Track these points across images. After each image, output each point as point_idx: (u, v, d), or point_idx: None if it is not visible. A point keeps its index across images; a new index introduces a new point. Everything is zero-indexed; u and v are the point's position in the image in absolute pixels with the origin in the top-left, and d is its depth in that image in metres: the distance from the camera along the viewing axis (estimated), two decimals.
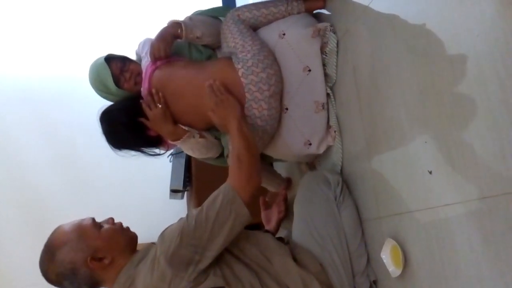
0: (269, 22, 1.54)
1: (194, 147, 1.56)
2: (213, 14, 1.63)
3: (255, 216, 1.26)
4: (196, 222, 1.09)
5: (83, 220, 1.20)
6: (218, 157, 1.66)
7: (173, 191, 2.62)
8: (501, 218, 0.77)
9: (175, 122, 1.49)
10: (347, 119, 1.44)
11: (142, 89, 1.53)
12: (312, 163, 1.74)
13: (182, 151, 2.06)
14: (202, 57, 1.60)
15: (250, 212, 1.15)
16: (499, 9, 0.75)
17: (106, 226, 1.20)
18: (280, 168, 2.11)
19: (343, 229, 1.30)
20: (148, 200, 2.92)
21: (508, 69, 0.73)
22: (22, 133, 2.88)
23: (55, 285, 1.16)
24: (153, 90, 1.47)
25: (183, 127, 1.49)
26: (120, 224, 1.24)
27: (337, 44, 1.46)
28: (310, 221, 1.32)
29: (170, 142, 1.55)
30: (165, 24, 1.54)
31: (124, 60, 1.58)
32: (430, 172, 0.96)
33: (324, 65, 1.49)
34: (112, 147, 1.52)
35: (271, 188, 1.90)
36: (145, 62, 1.57)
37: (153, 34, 1.54)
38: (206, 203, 1.14)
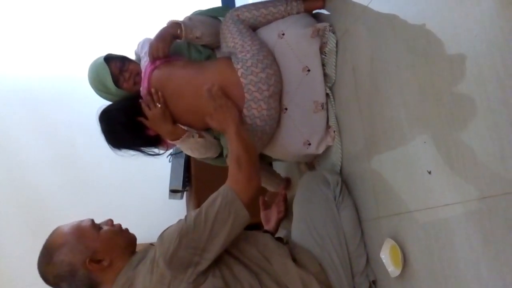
0: (269, 22, 1.54)
1: (193, 146, 1.56)
2: (212, 14, 1.63)
3: (254, 216, 1.26)
4: (195, 224, 1.09)
5: (82, 221, 1.19)
6: (217, 157, 1.66)
7: (173, 191, 2.62)
8: (501, 218, 0.77)
9: (174, 121, 1.49)
10: (347, 119, 1.44)
11: (141, 88, 1.53)
12: (311, 163, 1.74)
13: (182, 151, 2.07)
14: (202, 57, 1.60)
15: (249, 212, 1.15)
16: (498, 9, 0.75)
17: (105, 227, 1.19)
18: (279, 168, 2.11)
19: (343, 229, 1.30)
20: (148, 200, 2.92)
21: (508, 69, 0.73)
22: (22, 133, 2.88)
23: (53, 287, 1.15)
24: (153, 90, 1.47)
25: (182, 126, 1.49)
26: (119, 225, 1.23)
27: (337, 44, 1.46)
28: (310, 221, 1.32)
29: (169, 141, 1.55)
30: (164, 24, 1.54)
31: (123, 60, 1.58)
32: (430, 172, 0.96)
33: (323, 65, 1.49)
34: (111, 147, 1.52)
35: (270, 188, 1.90)
36: (145, 62, 1.57)
37: (152, 34, 1.54)
38: (205, 204, 1.13)
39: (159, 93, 1.46)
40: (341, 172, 1.48)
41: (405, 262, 1.09)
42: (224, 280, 1.10)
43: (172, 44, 1.53)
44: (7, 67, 2.93)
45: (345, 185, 1.39)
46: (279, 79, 1.45)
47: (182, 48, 1.60)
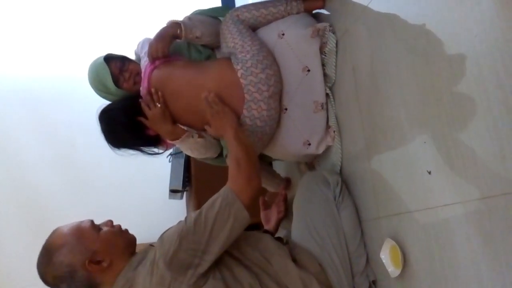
0: (268, 22, 1.54)
1: (193, 147, 1.56)
2: (212, 14, 1.63)
3: (254, 216, 1.26)
4: (195, 225, 1.09)
5: (81, 222, 1.18)
6: (217, 157, 1.66)
7: (173, 191, 2.62)
8: (501, 218, 0.77)
9: (174, 121, 1.49)
10: (347, 119, 1.44)
11: (141, 88, 1.53)
12: (311, 163, 1.74)
13: (182, 151, 2.07)
14: (202, 57, 1.59)
15: (249, 212, 1.14)
16: (498, 9, 0.75)
17: (105, 228, 1.19)
18: (279, 168, 2.11)
19: (343, 229, 1.30)
20: (148, 200, 2.92)
21: (508, 69, 0.73)
22: (22, 133, 2.89)
23: None
24: (153, 90, 1.46)
25: (182, 127, 1.49)
26: (119, 226, 1.23)
27: (336, 44, 1.46)
28: (310, 221, 1.32)
29: (168, 141, 1.55)
30: (164, 24, 1.54)
31: (123, 60, 1.58)
32: (430, 172, 0.96)
33: (323, 65, 1.49)
34: (111, 146, 1.52)
35: (270, 188, 1.90)
36: (144, 62, 1.57)
37: (152, 34, 1.54)
38: (205, 206, 1.13)
39: (159, 93, 1.46)
40: (341, 172, 1.48)
41: (405, 262, 1.09)
42: (225, 281, 1.09)
43: (172, 44, 1.53)
44: (7, 67, 2.93)
45: (345, 185, 1.39)
46: (279, 79, 1.45)
47: (182, 48, 1.60)
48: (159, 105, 1.46)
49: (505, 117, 0.74)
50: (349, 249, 1.28)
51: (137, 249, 1.22)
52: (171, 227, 1.13)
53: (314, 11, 1.60)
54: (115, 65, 1.55)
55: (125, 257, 1.17)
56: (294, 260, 1.21)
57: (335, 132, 1.48)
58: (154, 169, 2.65)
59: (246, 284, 1.11)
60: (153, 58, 1.50)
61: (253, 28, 1.54)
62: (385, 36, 1.14)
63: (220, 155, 1.63)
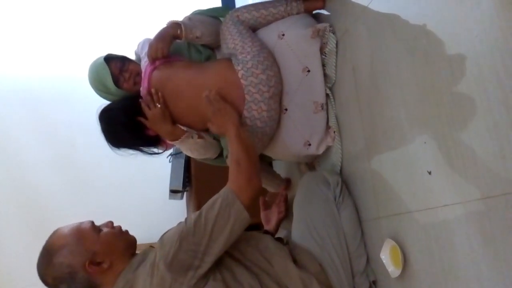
0: (269, 23, 1.54)
1: (193, 147, 1.56)
2: (212, 14, 1.63)
3: (254, 216, 1.25)
4: (195, 226, 1.08)
5: (82, 223, 1.18)
6: (216, 157, 1.66)
7: (173, 192, 2.62)
8: (501, 219, 0.77)
9: (174, 122, 1.49)
10: (347, 119, 1.44)
11: (141, 89, 1.53)
12: (311, 163, 1.74)
13: (182, 151, 2.07)
14: (202, 57, 1.59)
15: (250, 213, 1.14)
16: (498, 9, 0.75)
17: (105, 229, 1.19)
18: (279, 169, 2.11)
19: (343, 230, 1.30)
20: (148, 200, 2.92)
21: (508, 69, 0.73)
22: (22, 133, 2.89)
23: None
24: (153, 90, 1.46)
25: (182, 127, 1.49)
26: (119, 227, 1.23)
27: (337, 44, 1.46)
28: (310, 221, 1.32)
29: (168, 142, 1.55)
30: (164, 24, 1.54)
31: (123, 60, 1.58)
32: (430, 173, 0.96)
33: (323, 65, 1.49)
34: (111, 146, 1.52)
35: (270, 188, 1.90)
36: (145, 62, 1.57)
37: (152, 34, 1.54)
38: (205, 206, 1.13)
39: (159, 93, 1.46)
40: (341, 173, 1.48)
41: (405, 262, 1.09)
42: (225, 283, 1.09)
43: (172, 44, 1.53)
44: (7, 67, 2.93)
45: (345, 185, 1.39)
46: (279, 80, 1.45)
47: (182, 48, 1.60)
48: (159, 106, 1.46)
49: (505, 117, 0.74)
50: (349, 249, 1.28)
51: (137, 250, 1.22)
52: (171, 228, 1.13)
53: (314, 12, 1.60)
54: (115, 65, 1.55)
55: (125, 259, 1.16)
56: (294, 261, 1.21)
57: (335, 133, 1.48)
58: (154, 169, 2.65)
59: (247, 284, 1.11)
60: (153, 58, 1.50)
61: (253, 29, 1.54)
62: (385, 36, 1.14)
63: (220, 155, 1.63)
